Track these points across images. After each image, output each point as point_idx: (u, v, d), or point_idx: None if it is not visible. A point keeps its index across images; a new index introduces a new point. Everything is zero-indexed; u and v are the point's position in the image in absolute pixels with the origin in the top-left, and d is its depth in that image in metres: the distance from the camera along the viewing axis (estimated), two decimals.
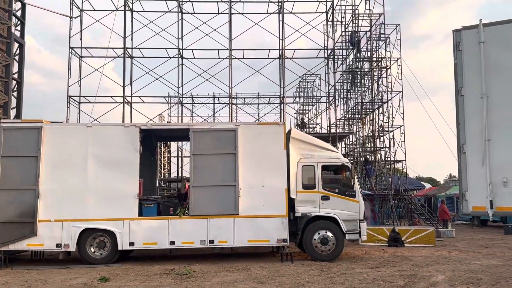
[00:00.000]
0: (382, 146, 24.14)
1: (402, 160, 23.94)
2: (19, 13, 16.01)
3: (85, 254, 11.91)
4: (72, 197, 11.91)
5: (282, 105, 22.12)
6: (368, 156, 24.13)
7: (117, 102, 20.95)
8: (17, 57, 15.66)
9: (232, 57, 21.48)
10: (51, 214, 11.81)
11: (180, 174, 25.27)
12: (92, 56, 21.69)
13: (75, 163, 12.08)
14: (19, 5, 15.98)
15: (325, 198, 12.50)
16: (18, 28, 16.07)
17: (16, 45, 15.50)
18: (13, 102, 15.31)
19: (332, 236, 12.35)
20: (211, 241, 11.98)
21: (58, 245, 11.76)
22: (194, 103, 30.32)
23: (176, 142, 26.44)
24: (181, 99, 22.28)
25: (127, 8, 21.03)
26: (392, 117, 23.85)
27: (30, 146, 12.08)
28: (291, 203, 12.43)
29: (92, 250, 12.00)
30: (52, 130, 12.30)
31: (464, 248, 15.25)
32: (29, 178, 11.92)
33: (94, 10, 21.28)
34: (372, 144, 24.59)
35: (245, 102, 28.59)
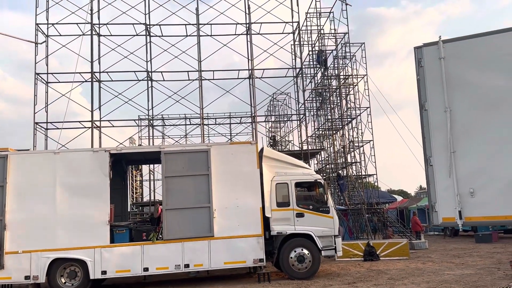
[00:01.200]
0: (353, 161, 24.51)
1: (373, 174, 24.35)
2: None
3: (55, 285, 11.47)
4: (40, 226, 11.53)
5: (253, 124, 22.23)
6: (340, 172, 24.42)
7: (85, 127, 20.57)
8: None
9: (202, 78, 21.53)
10: (19, 245, 11.39)
11: (152, 198, 24.89)
12: (59, 82, 21.30)
13: (43, 191, 11.74)
14: None
15: (300, 215, 12.52)
16: None
17: None
18: None
19: (308, 254, 12.34)
20: (186, 265, 11.77)
21: (27, 277, 11.31)
22: (165, 125, 30.08)
23: (148, 165, 26.08)
24: (151, 121, 22.08)
25: (94, 33, 20.86)
26: (362, 133, 24.33)
27: None
28: (266, 222, 12.38)
29: (63, 280, 11.58)
30: (18, 158, 11.96)
31: (437, 259, 15.50)
32: None
33: (60, 35, 21.02)
34: (343, 160, 24.92)
35: (217, 123, 28.56)
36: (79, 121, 20.98)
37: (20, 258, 11.33)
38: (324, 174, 25.61)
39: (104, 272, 11.51)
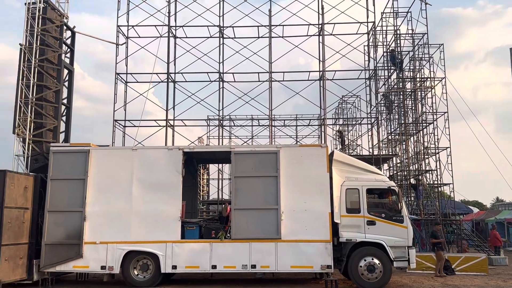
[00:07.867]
0: (427, 168, 23.27)
1: (449, 184, 22.94)
2: (69, 41, 16.71)
3: (128, 276, 11.98)
4: (117, 219, 12.10)
5: (322, 126, 21.84)
6: (412, 180, 23.32)
7: (160, 126, 21.32)
8: (66, 83, 16.27)
9: (272, 79, 21.51)
10: (97, 236, 12.01)
11: (220, 196, 25.31)
12: (137, 82, 22.25)
13: (121, 186, 12.30)
14: (69, 33, 16.70)
15: (371, 223, 12.07)
16: (68, 55, 16.74)
17: (65, 71, 16.11)
18: (62, 126, 15.80)
19: (379, 263, 11.86)
20: (253, 266, 11.77)
21: (102, 267, 11.90)
22: (234, 126, 30.50)
23: (216, 165, 26.55)
24: (221, 121, 22.43)
25: (170, 35, 21.58)
26: (438, 139, 23.04)
27: (78, 169, 12.43)
28: (334, 228, 12.08)
29: (136, 272, 12.06)
30: (99, 153, 12.62)
31: None
32: (77, 201, 12.23)
33: (139, 37, 21.96)
34: (416, 167, 23.75)
35: (285, 124, 28.42)
36: (155, 120, 21.78)
37: (98, 249, 11.94)
38: (397, 181, 24.57)
39: (174, 267, 11.82)
